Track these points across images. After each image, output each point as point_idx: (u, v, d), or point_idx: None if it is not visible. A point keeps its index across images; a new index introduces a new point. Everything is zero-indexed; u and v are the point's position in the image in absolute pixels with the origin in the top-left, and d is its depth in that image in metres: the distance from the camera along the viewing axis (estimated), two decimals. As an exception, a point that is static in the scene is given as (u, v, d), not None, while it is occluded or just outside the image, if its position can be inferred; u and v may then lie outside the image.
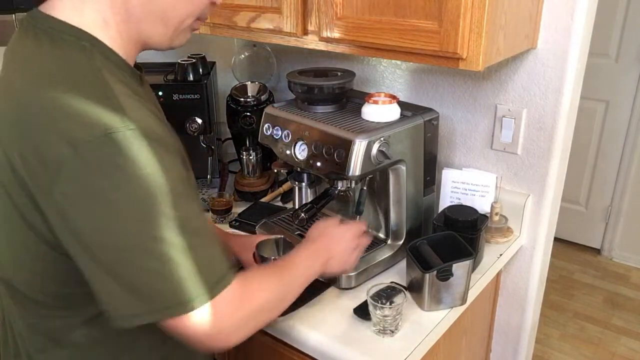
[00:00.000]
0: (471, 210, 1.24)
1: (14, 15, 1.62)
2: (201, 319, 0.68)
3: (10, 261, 0.75)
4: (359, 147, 1.08)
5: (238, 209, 1.52)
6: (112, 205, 0.63)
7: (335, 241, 1.03)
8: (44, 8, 0.72)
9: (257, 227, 1.38)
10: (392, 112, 1.17)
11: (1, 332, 0.87)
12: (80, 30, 0.70)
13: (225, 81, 1.84)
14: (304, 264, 0.93)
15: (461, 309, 1.14)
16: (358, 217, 1.22)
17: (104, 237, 0.64)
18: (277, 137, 1.25)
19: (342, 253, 1.03)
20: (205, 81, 1.59)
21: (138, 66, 0.81)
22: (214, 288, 0.69)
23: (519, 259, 1.44)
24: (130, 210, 0.63)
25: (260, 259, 1.12)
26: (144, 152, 0.64)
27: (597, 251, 3.06)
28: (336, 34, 1.13)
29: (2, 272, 0.78)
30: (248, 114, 1.58)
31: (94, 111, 0.63)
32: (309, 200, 1.28)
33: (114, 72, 0.71)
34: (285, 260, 0.93)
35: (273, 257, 1.12)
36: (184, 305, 0.66)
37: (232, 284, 0.72)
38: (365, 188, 1.27)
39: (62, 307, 0.76)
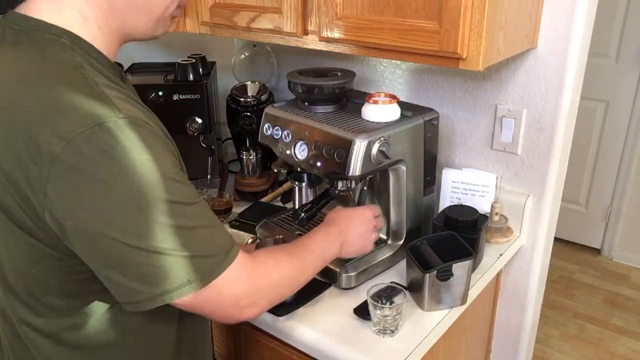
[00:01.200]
0: (471, 210, 1.24)
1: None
2: (215, 293, 0.70)
3: (12, 269, 0.75)
4: (359, 147, 1.08)
5: (238, 209, 1.52)
6: (108, 195, 0.63)
7: (352, 224, 1.05)
8: (19, 10, 0.72)
9: (257, 227, 1.38)
10: (392, 112, 1.17)
11: None
12: (58, 27, 0.70)
13: (225, 81, 1.84)
14: (318, 245, 0.95)
15: (461, 309, 1.14)
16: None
17: (103, 227, 0.64)
18: (277, 137, 1.25)
19: (359, 236, 1.06)
20: (205, 81, 1.59)
21: (117, 64, 0.82)
22: (221, 262, 0.70)
23: (519, 259, 1.44)
24: (127, 197, 0.63)
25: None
26: (136, 139, 0.64)
27: (597, 251, 3.06)
28: (336, 34, 1.13)
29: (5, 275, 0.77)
30: (248, 114, 1.58)
31: (82, 104, 0.64)
32: (309, 200, 1.28)
33: (95, 66, 0.71)
34: (298, 241, 0.95)
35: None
36: (192, 284, 0.68)
37: (242, 258, 0.73)
38: (365, 188, 1.27)
39: (53, 315, 0.76)
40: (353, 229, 1.05)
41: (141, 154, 0.64)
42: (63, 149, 0.61)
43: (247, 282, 0.74)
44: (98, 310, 0.75)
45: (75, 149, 0.61)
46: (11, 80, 0.67)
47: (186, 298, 0.68)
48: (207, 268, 0.69)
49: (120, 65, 0.82)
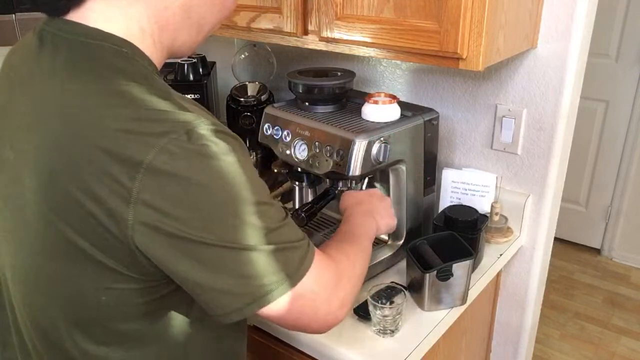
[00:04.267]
0: (471, 210, 1.24)
1: (14, 16, 1.61)
2: (309, 292, 0.69)
3: (68, 311, 0.71)
4: (359, 147, 1.08)
5: (238, 209, 1.52)
6: (204, 197, 0.61)
7: (374, 201, 1.07)
8: (71, 18, 0.68)
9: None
10: (392, 112, 1.17)
11: None
12: (118, 37, 0.67)
13: (225, 81, 1.84)
14: (364, 228, 0.96)
15: (461, 309, 1.14)
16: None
17: (200, 231, 0.62)
18: (277, 137, 1.25)
19: (385, 209, 1.07)
20: (205, 81, 1.59)
21: None
22: (305, 254, 0.70)
23: (519, 259, 1.44)
24: (222, 198, 0.62)
25: None
26: (222, 143, 0.63)
27: (597, 251, 3.06)
28: (336, 34, 1.13)
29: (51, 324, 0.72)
30: (248, 114, 1.58)
31: (167, 111, 0.62)
32: (309, 200, 1.28)
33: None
34: (343, 230, 0.94)
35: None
36: (285, 281, 0.67)
37: (319, 254, 0.73)
38: (365, 188, 1.27)
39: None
40: (377, 204, 1.07)
41: (229, 156, 0.63)
42: (155, 155, 0.59)
43: (333, 278, 0.73)
44: (164, 331, 0.73)
45: (168, 155, 0.59)
46: (78, 94, 0.64)
47: (281, 300, 0.67)
48: (295, 262, 0.68)
49: None
